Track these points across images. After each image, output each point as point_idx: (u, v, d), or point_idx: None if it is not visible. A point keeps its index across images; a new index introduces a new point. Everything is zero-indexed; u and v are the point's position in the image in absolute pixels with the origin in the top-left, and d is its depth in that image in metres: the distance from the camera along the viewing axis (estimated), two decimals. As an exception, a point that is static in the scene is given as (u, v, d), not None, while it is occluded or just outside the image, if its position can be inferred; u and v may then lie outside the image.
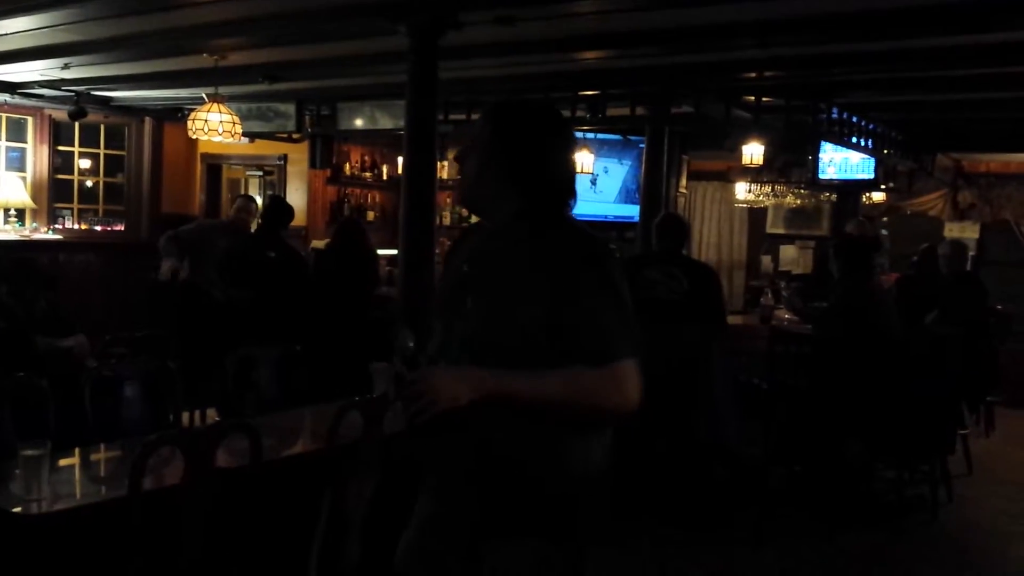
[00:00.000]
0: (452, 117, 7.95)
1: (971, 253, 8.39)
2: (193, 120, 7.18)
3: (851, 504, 5.40)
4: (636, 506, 4.80)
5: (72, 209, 10.25)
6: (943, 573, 4.65)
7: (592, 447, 1.99)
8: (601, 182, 9.67)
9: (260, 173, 11.23)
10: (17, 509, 2.63)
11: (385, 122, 8.40)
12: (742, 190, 9.57)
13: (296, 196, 9.99)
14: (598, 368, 1.88)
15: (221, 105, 7.24)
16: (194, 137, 7.48)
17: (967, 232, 9.71)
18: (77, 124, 9.73)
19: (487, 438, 1.95)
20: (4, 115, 9.63)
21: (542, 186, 2.02)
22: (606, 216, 9.76)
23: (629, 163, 9.61)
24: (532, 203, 2.01)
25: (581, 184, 9.45)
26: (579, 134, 9.06)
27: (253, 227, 6.92)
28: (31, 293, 4.53)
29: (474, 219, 2.27)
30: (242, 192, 10.62)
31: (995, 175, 9.75)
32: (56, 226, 10.01)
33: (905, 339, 5.49)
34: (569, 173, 2.08)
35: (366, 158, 10.76)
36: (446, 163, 10.06)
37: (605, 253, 2.01)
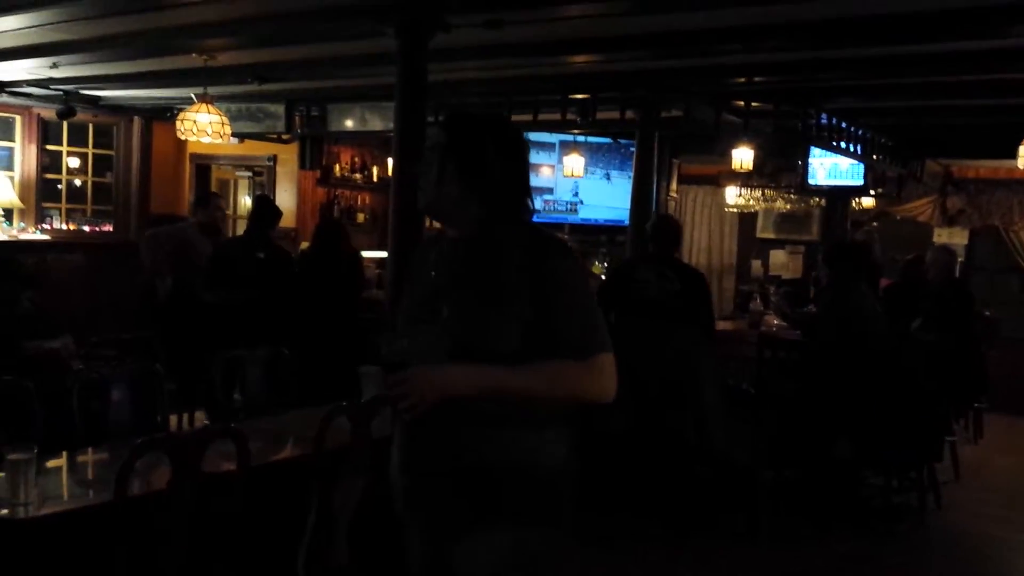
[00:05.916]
0: (442, 119, 7.92)
1: (960, 259, 8.42)
2: (182, 121, 7.14)
3: (840, 509, 5.41)
4: (623, 503, 4.81)
5: (60, 209, 10.19)
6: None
7: (561, 439, 2.11)
8: (598, 189, 9.70)
9: (249, 174, 11.18)
10: (3, 513, 2.62)
11: (375, 123, 8.35)
12: (732, 195, 9.57)
13: (286, 197, 9.95)
14: (581, 361, 2.02)
15: (210, 105, 7.20)
16: (183, 138, 7.44)
17: (956, 238, 9.72)
18: (65, 123, 9.67)
19: (462, 435, 2.05)
20: (-8, 114, 9.59)
21: (500, 191, 2.11)
22: (596, 220, 9.77)
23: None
24: (493, 207, 2.10)
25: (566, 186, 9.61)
26: (571, 137, 9.09)
27: (231, 226, 6.87)
28: (11, 293, 4.47)
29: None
30: (231, 193, 10.58)
31: (984, 181, 9.76)
32: (44, 226, 9.95)
33: (892, 346, 5.50)
34: (524, 178, 2.18)
35: (356, 159, 10.72)
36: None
37: (570, 251, 2.17)
